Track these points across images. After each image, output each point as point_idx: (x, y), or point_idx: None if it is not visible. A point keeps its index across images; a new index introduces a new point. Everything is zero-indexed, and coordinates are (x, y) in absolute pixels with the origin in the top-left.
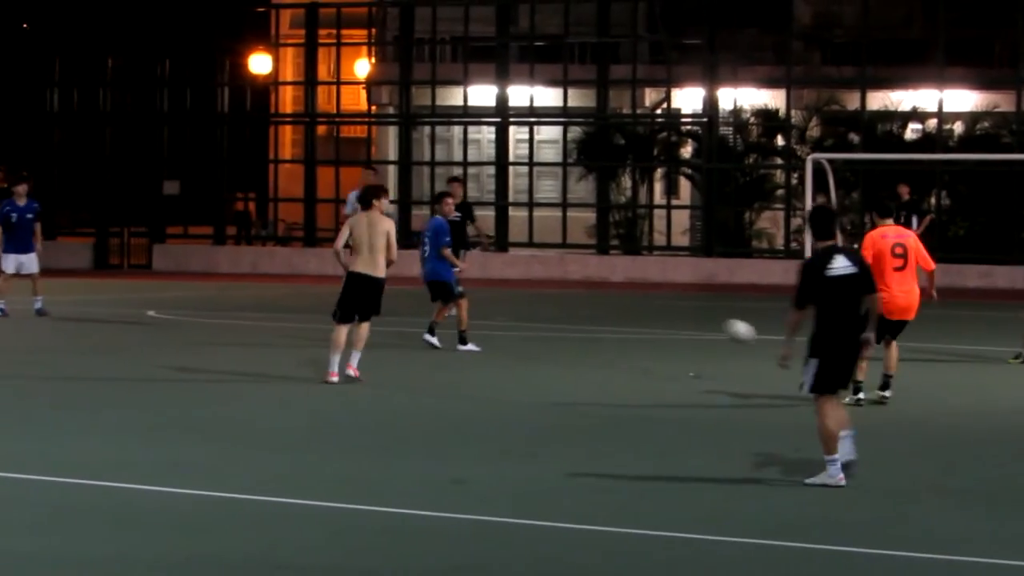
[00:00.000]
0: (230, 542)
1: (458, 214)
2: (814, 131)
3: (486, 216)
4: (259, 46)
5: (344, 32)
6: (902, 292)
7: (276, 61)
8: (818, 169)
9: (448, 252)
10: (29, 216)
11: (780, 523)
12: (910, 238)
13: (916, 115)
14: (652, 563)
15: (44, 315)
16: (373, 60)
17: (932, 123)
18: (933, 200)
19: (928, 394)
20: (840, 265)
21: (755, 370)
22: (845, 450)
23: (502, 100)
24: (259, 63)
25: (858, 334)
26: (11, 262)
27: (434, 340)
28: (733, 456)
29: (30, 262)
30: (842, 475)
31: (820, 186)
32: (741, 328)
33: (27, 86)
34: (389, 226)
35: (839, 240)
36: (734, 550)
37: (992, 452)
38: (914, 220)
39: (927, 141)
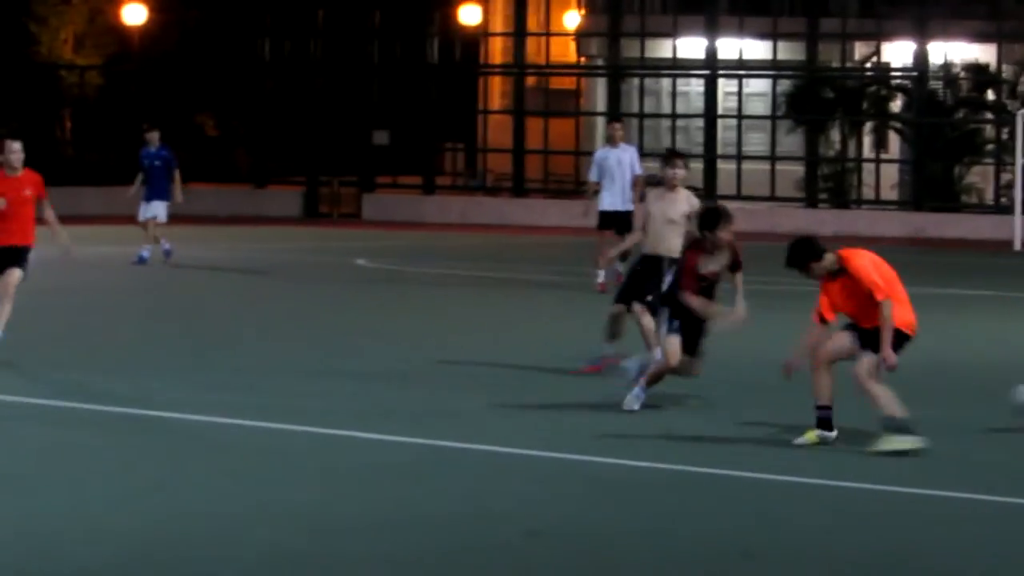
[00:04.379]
0: None
1: (158, 162)
2: None
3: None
4: None
5: None
6: None
7: (486, 12)
8: None
9: None
10: (158, 163)
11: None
12: None
13: None
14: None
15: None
16: (583, 11)
17: None
18: None
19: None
20: None
21: None
22: None
23: (711, 53)
24: (469, 14)
25: None
26: (145, 208)
27: None
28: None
29: (157, 208)
30: None
31: None
32: None
33: (240, 35)
34: None
35: None
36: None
37: None
38: None
39: None
